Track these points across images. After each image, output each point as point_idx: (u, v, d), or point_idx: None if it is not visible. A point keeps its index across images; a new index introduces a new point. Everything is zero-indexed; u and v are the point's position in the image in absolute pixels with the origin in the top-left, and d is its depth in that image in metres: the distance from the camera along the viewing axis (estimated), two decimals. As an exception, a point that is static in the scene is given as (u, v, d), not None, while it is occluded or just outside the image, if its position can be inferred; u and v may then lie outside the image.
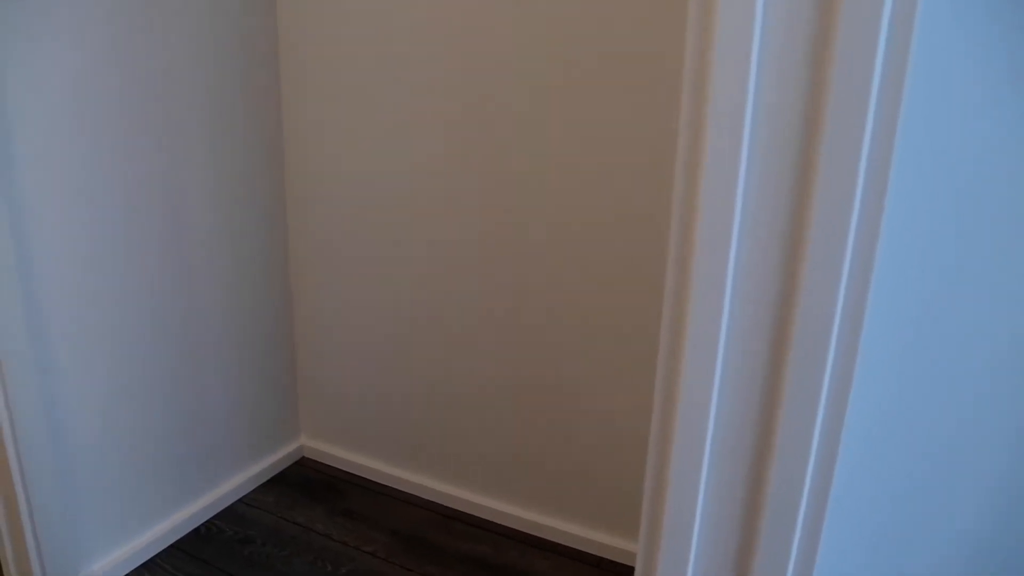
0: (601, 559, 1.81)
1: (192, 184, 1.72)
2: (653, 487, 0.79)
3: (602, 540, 1.82)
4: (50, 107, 1.40)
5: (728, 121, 0.64)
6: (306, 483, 2.12)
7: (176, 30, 1.61)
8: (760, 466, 0.73)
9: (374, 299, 1.97)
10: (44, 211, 1.42)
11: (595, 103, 1.56)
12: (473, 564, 1.78)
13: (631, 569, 1.76)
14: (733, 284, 0.68)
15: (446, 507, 2.02)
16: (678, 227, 0.69)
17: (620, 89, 1.52)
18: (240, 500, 2.02)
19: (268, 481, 2.12)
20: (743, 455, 0.73)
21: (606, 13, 1.50)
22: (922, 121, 0.63)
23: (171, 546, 1.81)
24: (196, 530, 1.88)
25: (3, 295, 1.37)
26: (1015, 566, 0.77)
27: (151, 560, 1.75)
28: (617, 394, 1.71)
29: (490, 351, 1.84)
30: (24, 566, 1.51)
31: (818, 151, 0.62)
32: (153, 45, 1.57)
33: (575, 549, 1.85)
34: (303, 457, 2.24)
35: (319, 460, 2.22)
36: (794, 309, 0.67)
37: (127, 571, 1.70)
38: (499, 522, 1.95)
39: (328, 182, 1.93)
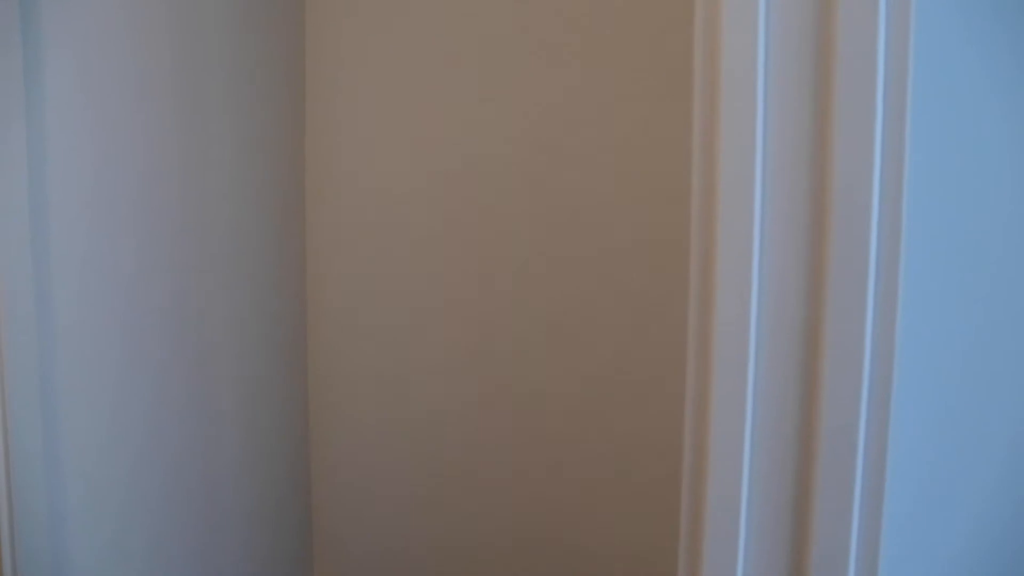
0: None
1: (217, 352, 1.71)
2: None
3: None
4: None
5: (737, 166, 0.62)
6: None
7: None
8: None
9: (399, 448, 1.87)
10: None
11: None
12: None
13: None
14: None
15: None
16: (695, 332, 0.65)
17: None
18: None
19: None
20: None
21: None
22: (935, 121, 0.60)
23: None
24: None
25: (24, 451, 1.35)
26: None
27: None
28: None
29: (526, 505, 1.72)
30: None
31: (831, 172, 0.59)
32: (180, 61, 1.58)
33: None
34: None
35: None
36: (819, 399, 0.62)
37: None
38: None
39: (349, 331, 1.89)
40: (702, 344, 0.65)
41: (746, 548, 0.64)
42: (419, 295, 1.78)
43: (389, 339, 1.84)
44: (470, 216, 1.70)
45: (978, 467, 0.78)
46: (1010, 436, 0.78)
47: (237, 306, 1.75)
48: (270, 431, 1.87)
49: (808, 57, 0.60)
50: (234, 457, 1.79)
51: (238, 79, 1.71)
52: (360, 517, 1.95)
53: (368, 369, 1.88)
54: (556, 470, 1.68)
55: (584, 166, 1.58)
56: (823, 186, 0.60)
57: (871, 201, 0.58)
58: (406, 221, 1.78)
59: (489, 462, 1.76)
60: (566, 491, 1.67)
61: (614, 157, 1.54)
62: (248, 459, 1.82)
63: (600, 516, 1.65)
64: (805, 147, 0.60)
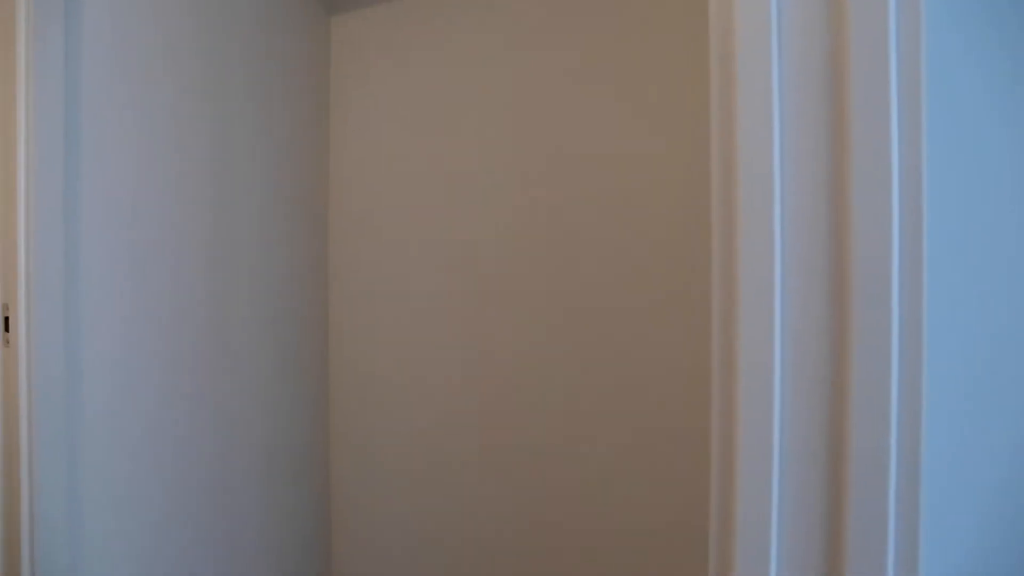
0: None
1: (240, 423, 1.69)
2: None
3: None
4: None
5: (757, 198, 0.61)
6: None
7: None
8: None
9: (416, 502, 1.85)
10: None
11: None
12: None
13: None
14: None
15: None
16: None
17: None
18: None
19: None
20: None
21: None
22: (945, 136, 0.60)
23: None
24: None
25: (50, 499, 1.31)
26: None
27: None
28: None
29: (548, 550, 1.70)
30: None
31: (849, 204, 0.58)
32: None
33: None
34: None
35: None
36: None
37: None
38: None
39: (371, 390, 1.89)
40: (727, 374, 0.64)
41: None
42: (438, 339, 1.78)
43: (410, 402, 1.83)
44: (489, 249, 1.70)
45: (982, 469, 0.79)
46: (1014, 439, 0.79)
47: (263, 334, 1.76)
48: (292, 470, 1.86)
49: (822, 70, 0.59)
50: (256, 498, 1.76)
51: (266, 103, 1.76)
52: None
53: (389, 418, 1.87)
54: (582, 521, 1.65)
55: (609, 202, 1.56)
56: (842, 204, 0.60)
57: (891, 212, 0.58)
58: (424, 265, 1.79)
59: (509, 510, 1.74)
60: (594, 539, 1.65)
61: (635, 182, 1.52)
62: (269, 490, 1.80)
63: (620, 553, 1.63)
64: (823, 163, 0.60)
